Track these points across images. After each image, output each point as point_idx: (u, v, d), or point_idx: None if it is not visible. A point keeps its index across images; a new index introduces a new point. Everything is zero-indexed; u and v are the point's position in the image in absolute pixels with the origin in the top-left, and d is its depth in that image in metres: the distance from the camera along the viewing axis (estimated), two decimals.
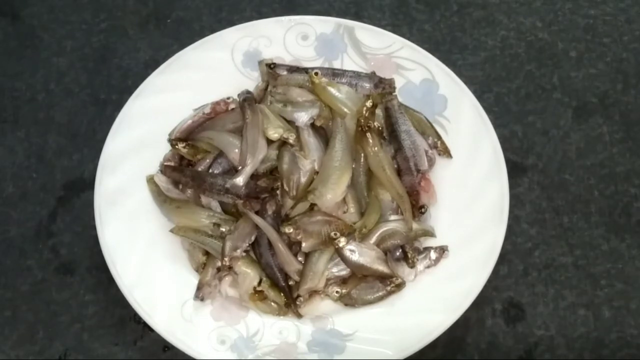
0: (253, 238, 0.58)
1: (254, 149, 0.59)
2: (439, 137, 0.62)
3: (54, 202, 0.66)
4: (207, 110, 0.63)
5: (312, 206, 0.59)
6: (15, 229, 0.65)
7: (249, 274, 0.58)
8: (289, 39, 0.67)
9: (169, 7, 0.75)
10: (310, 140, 0.61)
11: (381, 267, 0.57)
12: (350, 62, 0.66)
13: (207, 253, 0.59)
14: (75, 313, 0.61)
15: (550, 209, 0.65)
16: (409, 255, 0.57)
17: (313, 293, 0.58)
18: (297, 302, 0.57)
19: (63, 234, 0.64)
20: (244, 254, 0.58)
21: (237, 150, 0.60)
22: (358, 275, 0.58)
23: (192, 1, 0.76)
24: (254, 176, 0.60)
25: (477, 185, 0.60)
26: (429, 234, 0.59)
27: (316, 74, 0.62)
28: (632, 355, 0.59)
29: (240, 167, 0.59)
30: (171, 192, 0.60)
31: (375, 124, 0.61)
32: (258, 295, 0.58)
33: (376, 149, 0.59)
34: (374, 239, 0.58)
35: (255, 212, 0.58)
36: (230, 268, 0.58)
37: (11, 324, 0.61)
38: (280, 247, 0.57)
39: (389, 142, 0.62)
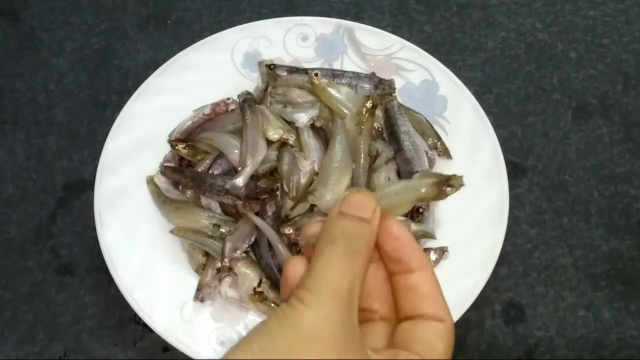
0: (253, 239, 0.58)
1: (253, 150, 0.59)
2: (438, 138, 0.63)
3: (54, 203, 0.66)
4: (207, 111, 0.63)
5: (312, 207, 0.59)
6: (15, 230, 0.65)
7: (249, 275, 0.57)
8: (288, 40, 0.67)
9: (169, 8, 0.75)
10: (310, 141, 0.61)
11: None
12: (350, 63, 0.66)
13: (206, 254, 0.59)
14: (75, 314, 0.61)
15: (550, 210, 0.65)
16: None
17: None
18: None
19: (63, 235, 0.64)
20: (243, 254, 0.58)
21: (236, 151, 0.60)
22: None
23: (192, 2, 0.76)
24: (254, 177, 0.60)
25: (476, 186, 0.60)
26: (429, 235, 0.59)
27: (316, 74, 0.62)
28: (632, 356, 0.59)
29: (240, 168, 0.59)
30: (171, 193, 0.60)
31: (375, 124, 0.61)
32: (258, 296, 0.58)
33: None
34: None
35: (255, 213, 0.58)
36: (230, 269, 0.58)
37: (11, 325, 0.61)
38: (280, 248, 0.57)
39: (389, 143, 0.62)
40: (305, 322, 0.31)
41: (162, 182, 0.60)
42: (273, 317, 0.32)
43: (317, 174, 0.60)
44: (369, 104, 0.60)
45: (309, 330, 0.31)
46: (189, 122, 0.63)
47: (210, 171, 0.61)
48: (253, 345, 0.31)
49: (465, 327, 0.60)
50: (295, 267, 0.35)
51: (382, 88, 0.63)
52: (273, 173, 0.61)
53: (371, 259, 0.35)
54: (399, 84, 0.64)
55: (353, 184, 0.60)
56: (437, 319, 0.35)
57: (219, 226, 0.58)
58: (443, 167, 0.62)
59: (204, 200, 0.61)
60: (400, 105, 0.63)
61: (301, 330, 0.31)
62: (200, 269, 0.58)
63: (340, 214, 0.34)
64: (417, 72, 0.65)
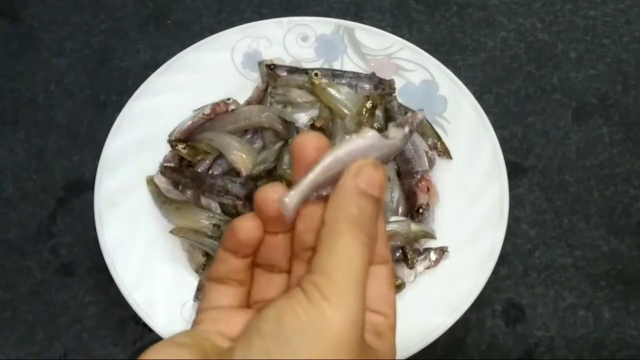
0: None
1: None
2: (438, 138, 0.63)
3: (54, 203, 0.66)
4: (207, 111, 0.63)
5: None
6: (15, 230, 0.65)
7: None
8: (288, 40, 0.67)
9: (169, 8, 0.75)
10: None
11: None
12: (350, 63, 0.66)
13: (207, 254, 0.59)
14: (75, 314, 0.61)
15: (550, 210, 0.65)
16: (409, 256, 0.57)
17: None
18: None
19: (63, 235, 0.64)
20: None
21: (236, 151, 0.60)
22: None
23: (192, 2, 0.76)
24: (254, 177, 0.60)
25: (477, 186, 0.60)
26: (429, 235, 0.59)
27: (316, 75, 0.62)
28: (632, 356, 0.59)
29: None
30: (171, 193, 0.60)
31: (375, 124, 0.61)
32: None
33: None
34: None
35: None
36: None
37: (11, 325, 0.61)
38: None
39: None
40: (332, 328, 0.27)
41: (162, 182, 0.61)
42: (290, 313, 0.27)
43: None
44: (369, 104, 0.61)
45: (337, 338, 0.27)
46: (189, 122, 0.63)
47: (210, 171, 0.61)
48: (268, 343, 0.27)
49: (465, 327, 0.60)
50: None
51: (382, 88, 0.63)
52: (272, 173, 0.61)
53: None
54: (399, 84, 0.64)
55: None
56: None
57: (219, 226, 0.58)
58: (443, 167, 0.62)
59: (204, 200, 0.61)
60: (400, 105, 0.63)
61: (328, 339, 0.27)
62: (200, 269, 0.58)
63: (362, 192, 0.29)
64: (417, 72, 0.65)
